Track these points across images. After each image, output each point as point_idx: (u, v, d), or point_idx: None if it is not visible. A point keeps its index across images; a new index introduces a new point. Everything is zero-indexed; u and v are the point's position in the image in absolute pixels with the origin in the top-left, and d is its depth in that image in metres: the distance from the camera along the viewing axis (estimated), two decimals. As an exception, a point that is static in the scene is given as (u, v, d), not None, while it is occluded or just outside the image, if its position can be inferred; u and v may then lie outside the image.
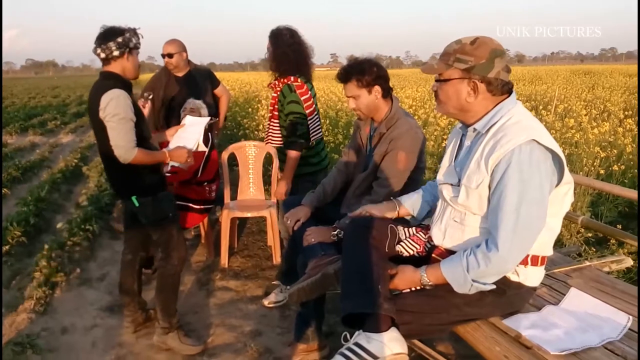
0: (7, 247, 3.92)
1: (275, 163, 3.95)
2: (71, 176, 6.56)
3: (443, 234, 1.66)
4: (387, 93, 2.25)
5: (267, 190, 4.32)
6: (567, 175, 1.53)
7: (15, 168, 6.59)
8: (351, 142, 2.49)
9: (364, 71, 2.20)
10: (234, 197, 4.07)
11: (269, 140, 3.24)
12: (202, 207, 3.51)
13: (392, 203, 2.01)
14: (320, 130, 3.21)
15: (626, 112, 6.88)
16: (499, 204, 1.46)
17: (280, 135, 3.14)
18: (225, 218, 3.69)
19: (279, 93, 3.01)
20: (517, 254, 1.49)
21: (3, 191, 5.61)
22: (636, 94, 10.59)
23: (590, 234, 3.79)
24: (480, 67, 1.51)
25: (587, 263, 1.99)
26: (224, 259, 3.74)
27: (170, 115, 3.84)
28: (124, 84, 2.37)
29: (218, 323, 2.94)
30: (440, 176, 1.72)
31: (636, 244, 2.06)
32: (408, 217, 2.03)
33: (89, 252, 4.03)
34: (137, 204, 2.49)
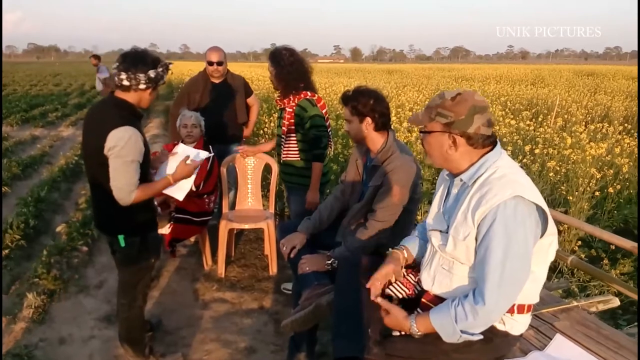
0: (6, 250, 3.96)
1: (275, 173, 3.98)
2: (71, 174, 6.60)
3: (432, 280, 1.70)
4: (382, 126, 2.29)
5: (265, 196, 4.34)
6: (551, 227, 1.57)
7: (15, 164, 6.62)
8: (349, 169, 2.53)
9: (359, 101, 2.31)
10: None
11: (287, 155, 3.21)
12: (201, 219, 3.55)
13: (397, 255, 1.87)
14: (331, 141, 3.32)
15: (626, 125, 6.88)
16: (485, 258, 1.50)
17: (297, 150, 3.16)
18: (223, 229, 3.73)
19: (294, 108, 3.04)
20: (503, 305, 1.54)
21: (3, 189, 5.64)
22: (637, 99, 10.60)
23: (584, 254, 3.82)
24: (459, 123, 1.56)
25: (575, 303, 2.03)
26: (221, 269, 3.79)
27: (205, 121, 3.79)
28: (135, 115, 2.14)
29: (213, 338, 2.99)
30: (430, 220, 1.76)
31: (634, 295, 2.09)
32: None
33: (87, 258, 4.07)
34: (122, 244, 2.23)
